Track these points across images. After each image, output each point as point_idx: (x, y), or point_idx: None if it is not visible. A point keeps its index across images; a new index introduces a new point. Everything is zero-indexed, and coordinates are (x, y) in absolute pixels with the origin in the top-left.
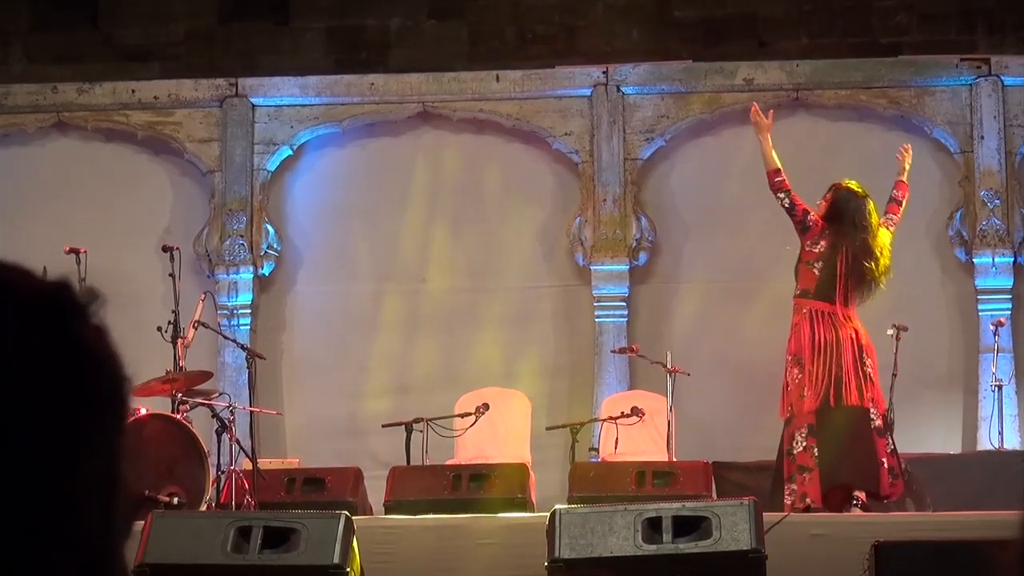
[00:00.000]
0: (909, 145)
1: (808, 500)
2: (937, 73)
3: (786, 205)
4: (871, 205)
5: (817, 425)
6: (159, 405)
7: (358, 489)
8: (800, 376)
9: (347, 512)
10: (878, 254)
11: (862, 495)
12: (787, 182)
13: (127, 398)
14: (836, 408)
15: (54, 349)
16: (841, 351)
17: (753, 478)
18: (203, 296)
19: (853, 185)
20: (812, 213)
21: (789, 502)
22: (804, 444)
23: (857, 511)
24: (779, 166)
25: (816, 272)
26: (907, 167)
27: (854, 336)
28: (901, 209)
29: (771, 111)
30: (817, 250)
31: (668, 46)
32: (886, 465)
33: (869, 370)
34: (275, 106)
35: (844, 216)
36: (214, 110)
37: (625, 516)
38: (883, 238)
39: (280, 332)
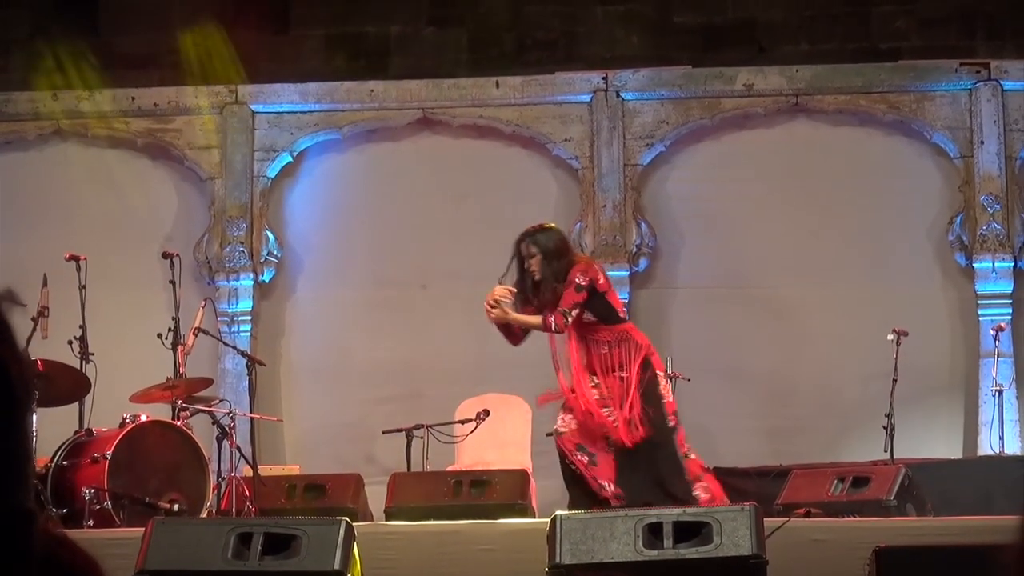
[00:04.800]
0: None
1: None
2: (937, 78)
3: (577, 311)
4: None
5: None
6: (160, 412)
7: (359, 495)
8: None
9: (348, 518)
10: None
11: None
12: (553, 318)
13: (29, 388)
14: None
15: None
16: None
17: (754, 483)
18: (203, 303)
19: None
20: (582, 292)
21: (707, 497)
22: (694, 453)
23: None
24: (539, 319)
25: None
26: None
27: None
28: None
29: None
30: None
31: (668, 52)
32: None
33: None
34: (275, 113)
35: None
36: (214, 117)
37: (626, 521)
38: None
39: (280, 338)
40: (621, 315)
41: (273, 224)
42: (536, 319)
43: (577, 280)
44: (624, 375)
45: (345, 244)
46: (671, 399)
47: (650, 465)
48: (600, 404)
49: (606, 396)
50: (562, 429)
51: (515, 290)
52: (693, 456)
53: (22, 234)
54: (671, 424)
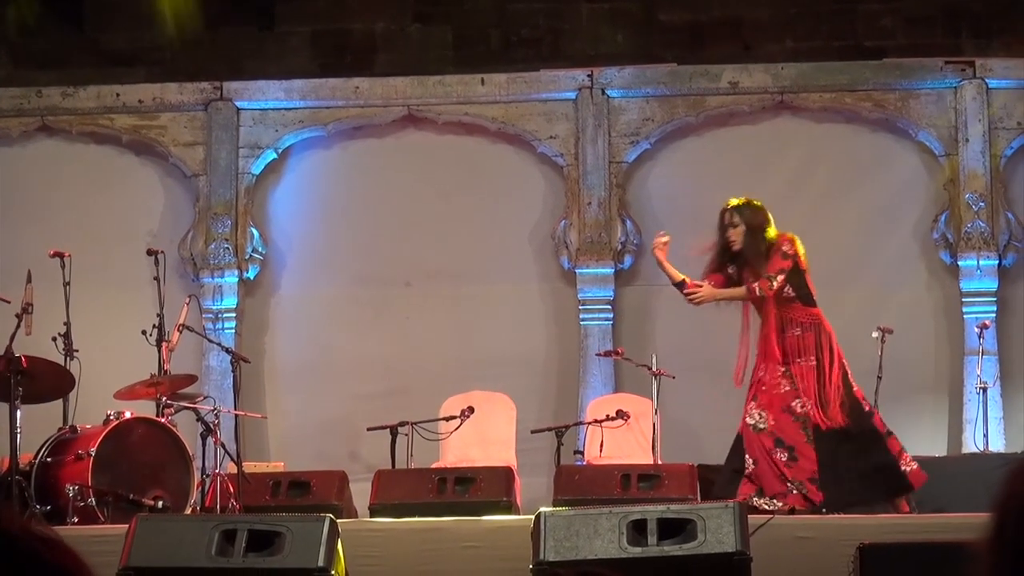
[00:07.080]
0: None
1: None
2: (922, 76)
3: (782, 277)
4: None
5: None
6: (144, 409)
7: (343, 492)
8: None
9: (332, 515)
10: None
11: None
12: (758, 283)
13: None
14: None
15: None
16: None
17: None
18: (188, 300)
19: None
20: (788, 259)
21: (915, 468)
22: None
23: None
24: (743, 290)
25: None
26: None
27: None
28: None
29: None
30: None
31: (653, 49)
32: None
33: None
34: (260, 109)
35: None
36: (199, 113)
37: (610, 519)
38: None
39: (265, 335)
40: (815, 298)
41: (258, 221)
42: (740, 290)
43: (784, 248)
44: (813, 363)
45: (330, 241)
46: (858, 386)
47: (856, 456)
48: (793, 396)
49: (798, 387)
50: (761, 425)
51: (667, 239)
52: (894, 433)
53: (6, 230)
54: (867, 409)
